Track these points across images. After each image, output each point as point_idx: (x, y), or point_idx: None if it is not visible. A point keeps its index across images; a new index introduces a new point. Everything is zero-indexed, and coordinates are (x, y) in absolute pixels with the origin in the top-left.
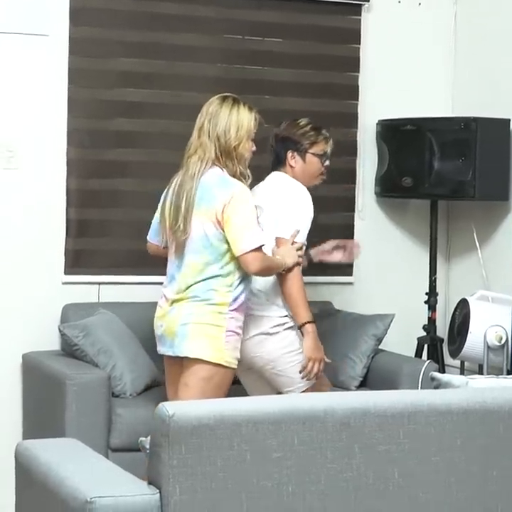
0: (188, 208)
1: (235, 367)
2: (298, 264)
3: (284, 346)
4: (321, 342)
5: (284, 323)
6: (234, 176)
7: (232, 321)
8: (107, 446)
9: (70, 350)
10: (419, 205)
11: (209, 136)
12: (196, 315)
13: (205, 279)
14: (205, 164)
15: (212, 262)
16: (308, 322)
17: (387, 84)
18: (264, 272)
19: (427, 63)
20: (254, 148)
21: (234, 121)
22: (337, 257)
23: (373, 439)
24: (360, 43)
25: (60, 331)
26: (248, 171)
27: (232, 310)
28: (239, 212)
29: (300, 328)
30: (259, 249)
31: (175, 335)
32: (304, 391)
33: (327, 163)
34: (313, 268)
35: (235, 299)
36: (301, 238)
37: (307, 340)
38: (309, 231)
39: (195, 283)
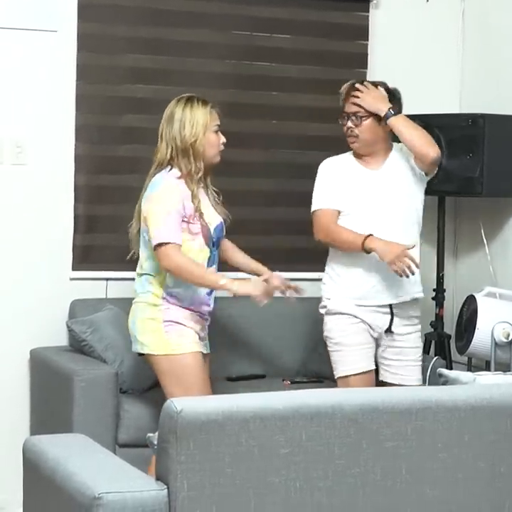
0: (137, 207)
1: (189, 350)
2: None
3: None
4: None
5: (324, 306)
6: (188, 173)
7: (169, 312)
8: (115, 442)
9: (77, 345)
10: (426, 202)
11: (166, 139)
12: (137, 310)
13: (143, 274)
14: (155, 167)
15: (149, 258)
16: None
17: (395, 80)
18: (175, 273)
19: (434, 60)
20: (223, 139)
21: (188, 119)
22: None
23: (381, 435)
24: (368, 40)
25: (68, 326)
26: (213, 162)
27: (168, 302)
28: (152, 209)
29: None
30: (167, 245)
31: (131, 333)
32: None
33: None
34: (322, 263)
35: (170, 293)
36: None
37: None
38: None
39: (138, 276)
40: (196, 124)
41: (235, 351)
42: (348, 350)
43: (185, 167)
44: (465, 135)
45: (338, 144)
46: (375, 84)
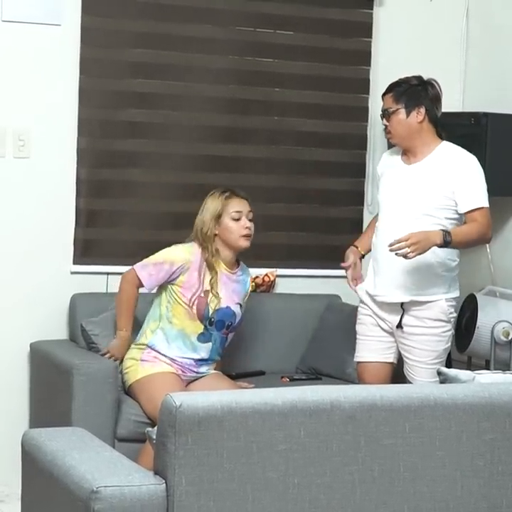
0: None
1: (159, 370)
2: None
3: None
4: (329, 335)
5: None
6: (204, 256)
7: (148, 355)
8: (114, 436)
9: (84, 343)
10: None
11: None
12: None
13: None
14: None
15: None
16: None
17: (398, 78)
18: (119, 288)
19: (438, 58)
20: (246, 224)
21: (203, 208)
22: None
23: (379, 432)
24: (371, 37)
25: (81, 327)
26: (238, 246)
27: (152, 349)
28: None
29: None
30: (132, 272)
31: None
32: None
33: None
34: (321, 260)
35: (153, 346)
36: None
37: None
38: None
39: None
40: (207, 212)
41: (234, 348)
42: (359, 339)
43: (203, 249)
44: (468, 134)
45: (341, 141)
46: (408, 79)
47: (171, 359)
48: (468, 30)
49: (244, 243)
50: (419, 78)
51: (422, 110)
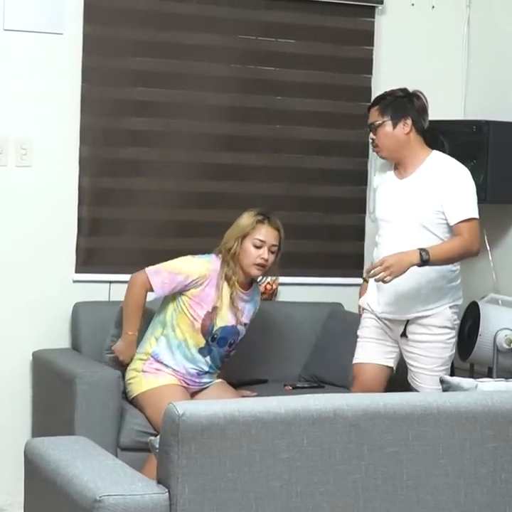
0: None
1: (164, 383)
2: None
3: None
4: (332, 344)
5: None
6: (224, 270)
7: (150, 366)
8: (116, 445)
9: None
10: None
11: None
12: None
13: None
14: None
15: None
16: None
17: (400, 86)
18: (128, 287)
19: (439, 66)
20: (264, 256)
21: (235, 223)
22: None
23: (382, 440)
24: (373, 45)
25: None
26: (247, 272)
27: (155, 360)
28: (175, 260)
29: None
30: (145, 275)
31: None
32: None
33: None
34: (323, 268)
35: (156, 356)
36: None
37: None
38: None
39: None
40: (236, 228)
41: (237, 356)
42: (360, 341)
43: (223, 263)
44: (469, 142)
45: (343, 149)
46: (393, 91)
47: (174, 370)
48: (470, 38)
49: (255, 272)
50: (404, 90)
51: (409, 121)
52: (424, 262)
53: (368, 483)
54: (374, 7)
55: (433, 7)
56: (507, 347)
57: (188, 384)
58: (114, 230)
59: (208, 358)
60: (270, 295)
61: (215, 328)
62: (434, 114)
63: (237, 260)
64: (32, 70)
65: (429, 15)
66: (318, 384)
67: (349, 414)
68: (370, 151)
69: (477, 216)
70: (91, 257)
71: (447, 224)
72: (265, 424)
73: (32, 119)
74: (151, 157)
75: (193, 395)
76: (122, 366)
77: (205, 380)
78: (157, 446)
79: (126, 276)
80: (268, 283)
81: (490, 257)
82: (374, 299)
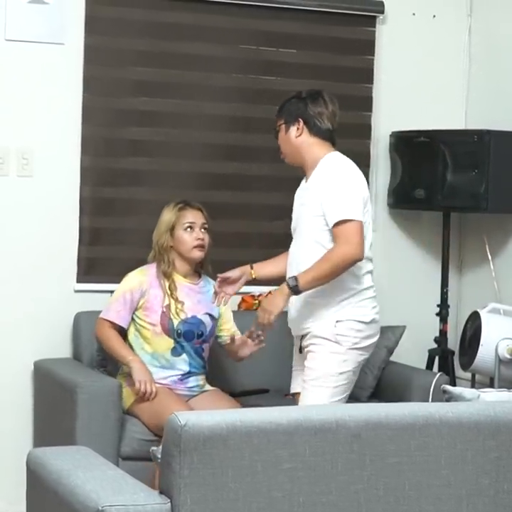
0: None
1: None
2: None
3: None
4: None
5: None
6: (160, 269)
7: (131, 380)
8: (118, 454)
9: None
10: (431, 217)
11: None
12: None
13: None
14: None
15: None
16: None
17: (401, 96)
18: (100, 342)
19: (440, 75)
20: (198, 236)
21: (159, 219)
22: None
23: (384, 451)
24: (374, 55)
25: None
26: (191, 258)
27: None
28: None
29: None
30: (100, 319)
31: None
32: None
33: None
34: None
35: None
36: None
37: None
38: None
39: None
40: (161, 225)
41: (238, 366)
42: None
43: (158, 263)
44: (471, 151)
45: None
46: (296, 94)
47: (158, 384)
48: (471, 47)
49: (197, 254)
50: (306, 92)
51: (300, 124)
52: (293, 289)
53: (370, 494)
54: (375, 17)
55: (434, 16)
56: (509, 357)
57: (176, 393)
58: (116, 240)
59: (184, 356)
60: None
61: (175, 324)
62: (435, 123)
63: (174, 253)
64: (33, 80)
65: (430, 24)
66: None
67: (351, 424)
68: (372, 161)
69: (356, 218)
70: (92, 266)
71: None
72: (267, 434)
73: (33, 129)
74: (153, 167)
75: (187, 401)
76: (152, 394)
77: (192, 383)
78: (159, 456)
79: None
80: (270, 292)
81: (491, 267)
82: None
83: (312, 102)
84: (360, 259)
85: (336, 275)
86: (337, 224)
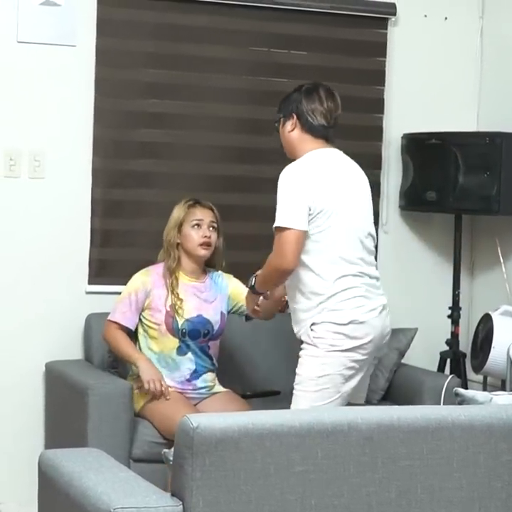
0: None
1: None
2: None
3: None
4: None
5: None
6: (166, 266)
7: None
8: (129, 456)
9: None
10: (443, 220)
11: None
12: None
13: None
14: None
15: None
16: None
17: (413, 98)
18: (107, 343)
19: (452, 77)
20: (205, 234)
21: (169, 220)
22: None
23: (397, 453)
24: (386, 57)
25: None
26: (196, 255)
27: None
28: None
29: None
30: (108, 321)
31: None
32: None
33: None
34: None
35: None
36: None
37: None
38: None
39: None
40: (171, 221)
41: (249, 368)
42: None
43: (165, 260)
44: (482, 153)
45: (356, 160)
46: (297, 87)
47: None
48: (483, 49)
49: (203, 252)
50: (307, 86)
51: (294, 119)
52: (252, 289)
53: (382, 497)
54: (387, 19)
55: (446, 18)
56: None
57: (185, 393)
58: (127, 242)
59: (189, 355)
60: (283, 307)
61: (180, 323)
62: (447, 125)
63: (181, 249)
64: (45, 82)
65: (441, 26)
66: None
67: (363, 427)
68: (383, 163)
69: (287, 225)
70: (104, 268)
71: None
72: (279, 437)
73: (45, 131)
74: (164, 169)
75: (198, 403)
76: (163, 393)
77: (200, 384)
78: (171, 458)
79: None
80: None
81: (503, 269)
82: None
83: (306, 97)
84: (291, 269)
85: (273, 282)
86: (275, 231)
